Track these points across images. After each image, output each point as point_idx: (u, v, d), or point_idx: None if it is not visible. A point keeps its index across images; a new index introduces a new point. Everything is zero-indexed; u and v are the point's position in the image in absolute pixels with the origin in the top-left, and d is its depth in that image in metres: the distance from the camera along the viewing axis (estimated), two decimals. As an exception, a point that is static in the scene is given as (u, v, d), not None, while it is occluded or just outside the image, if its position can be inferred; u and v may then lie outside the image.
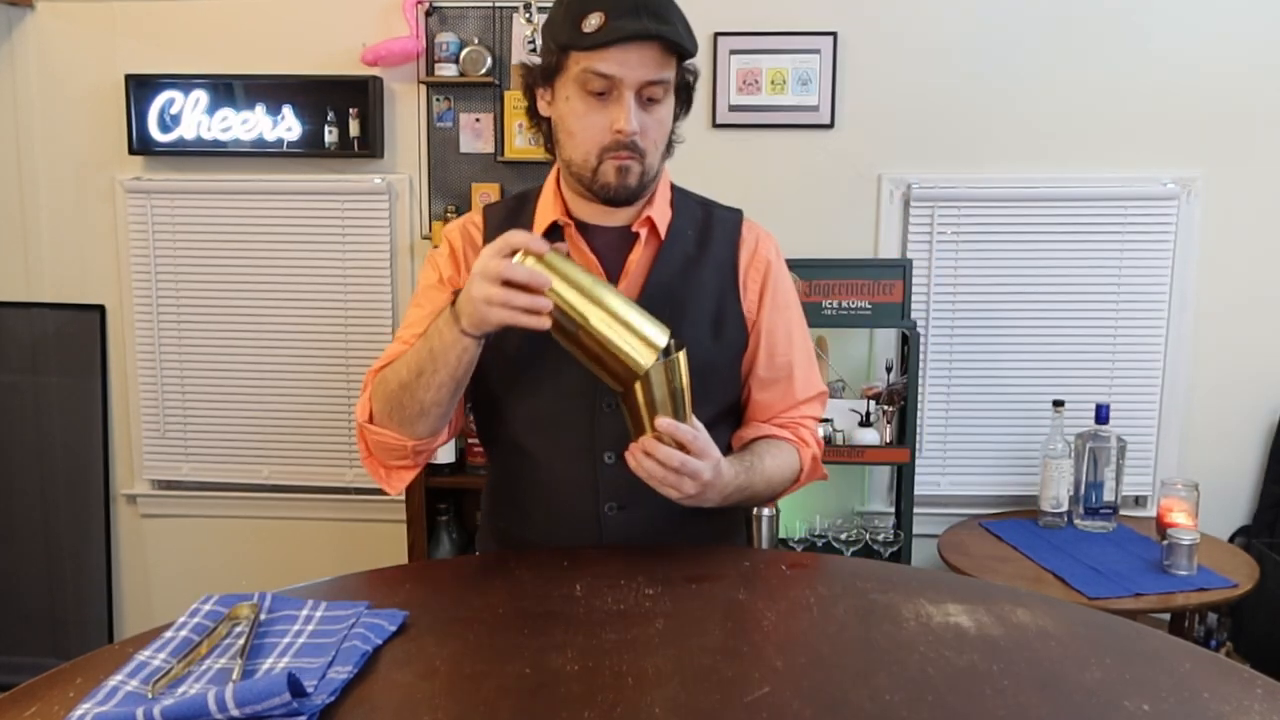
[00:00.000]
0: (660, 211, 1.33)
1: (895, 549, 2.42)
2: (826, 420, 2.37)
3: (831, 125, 2.62)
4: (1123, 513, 2.47)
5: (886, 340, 2.63)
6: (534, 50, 2.61)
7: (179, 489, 2.90)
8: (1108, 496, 2.41)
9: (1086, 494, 2.41)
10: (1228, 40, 2.52)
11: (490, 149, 2.68)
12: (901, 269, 2.50)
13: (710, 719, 0.83)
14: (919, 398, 2.58)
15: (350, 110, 2.63)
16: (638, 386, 1.12)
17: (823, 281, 2.46)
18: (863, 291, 2.49)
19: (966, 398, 2.67)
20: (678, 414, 1.14)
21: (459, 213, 2.67)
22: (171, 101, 2.68)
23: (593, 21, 1.17)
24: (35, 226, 2.82)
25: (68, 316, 2.83)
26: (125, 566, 2.94)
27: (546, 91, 1.28)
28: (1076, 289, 2.61)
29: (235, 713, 0.79)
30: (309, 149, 2.67)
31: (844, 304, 2.48)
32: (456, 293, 1.16)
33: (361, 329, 2.75)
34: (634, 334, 1.11)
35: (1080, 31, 2.55)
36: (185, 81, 2.67)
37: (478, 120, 2.68)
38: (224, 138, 2.68)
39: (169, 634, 0.96)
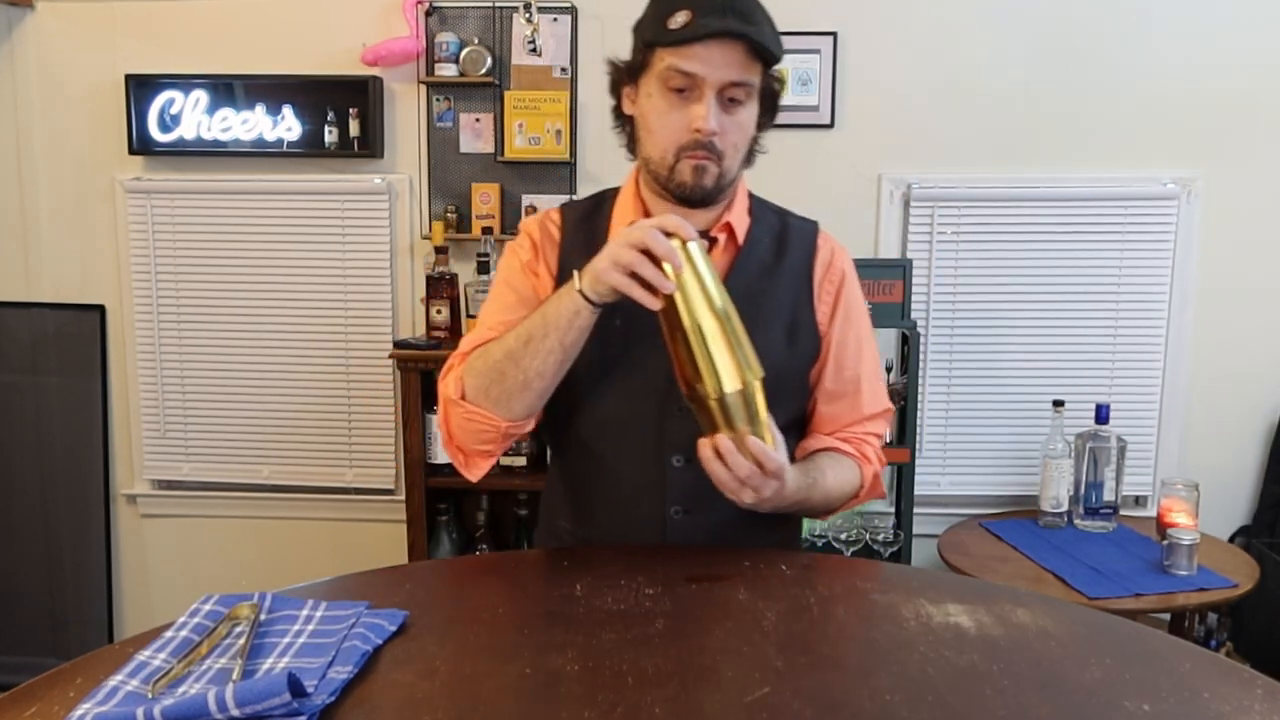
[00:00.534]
0: (739, 218, 1.33)
1: (895, 549, 2.42)
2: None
3: (831, 125, 2.62)
4: (1123, 513, 2.47)
5: (887, 340, 2.63)
6: (534, 50, 2.62)
7: (179, 489, 2.90)
8: (1108, 496, 2.41)
9: (1086, 494, 2.41)
10: (1228, 40, 2.52)
11: (490, 149, 2.68)
12: (901, 269, 2.50)
13: (710, 719, 0.83)
14: (919, 398, 2.58)
15: (350, 110, 2.63)
16: (714, 404, 1.12)
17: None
18: (863, 291, 2.48)
19: (966, 398, 2.67)
20: (755, 430, 1.14)
21: (459, 213, 2.68)
22: (171, 101, 2.68)
23: (679, 19, 1.18)
24: (35, 226, 2.82)
25: (68, 316, 2.83)
26: (125, 566, 2.94)
27: (631, 90, 1.29)
28: (1076, 289, 2.60)
29: (235, 713, 0.79)
30: (309, 149, 2.67)
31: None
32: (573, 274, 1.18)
33: (361, 329, 2.75)
34: (732, 356, 1.12)
35: (1080, 31, 2.55)
36: (185, 81, 2.67)
37: (478, 120, 2.68)
38: (224, 138, 2.68)
39: (169, 634, 0.96)
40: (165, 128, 2.69)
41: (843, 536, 2.44)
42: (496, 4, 2.62)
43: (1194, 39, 2.53)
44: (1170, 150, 2.58)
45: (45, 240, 2.82)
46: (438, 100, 2.68)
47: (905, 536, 2.43)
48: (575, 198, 1.43)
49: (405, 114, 2.70)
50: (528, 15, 2.59)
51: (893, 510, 2.64)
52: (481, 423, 1.24)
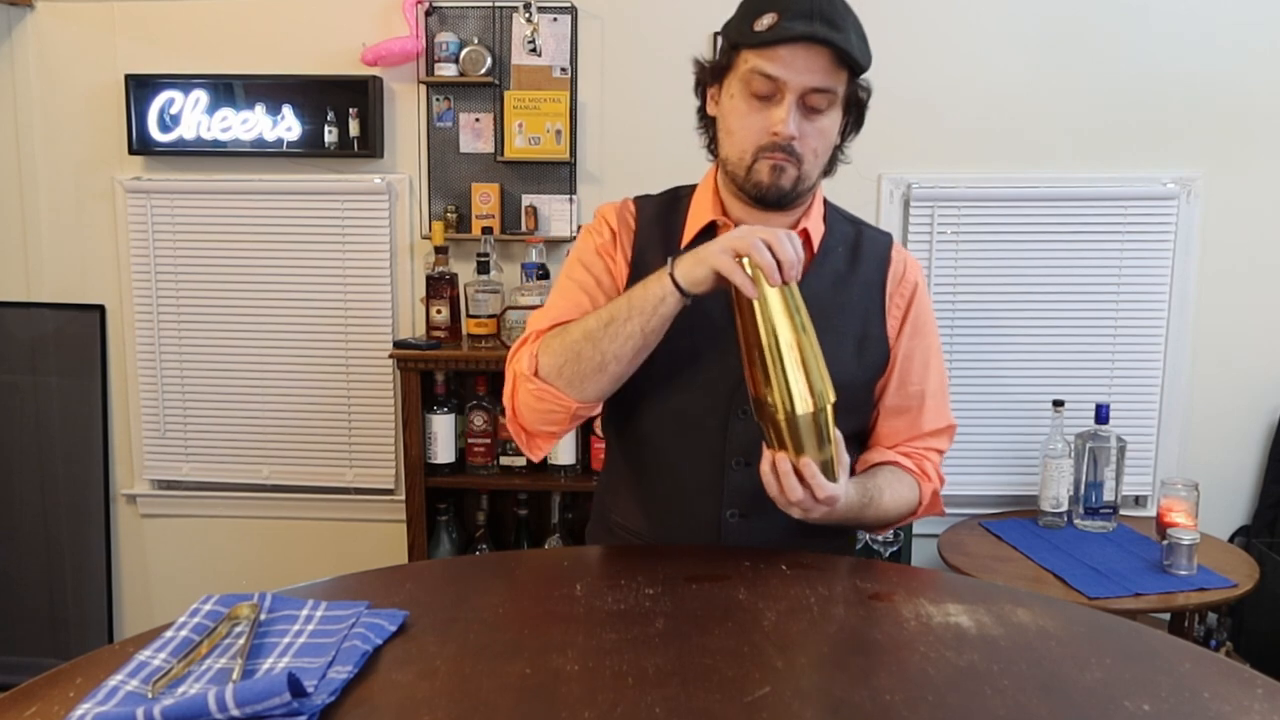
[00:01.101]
0: (815, 225, 1.33)
1: (895, 549, 2.42)
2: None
3: (831, 125, 2.61)
4: (1123, 513, 2.47)
5: (886, 340, 2.63)
6: (534, 50, 2.62)
7: (179, 489, 2.90)
8: (1108, 496, 2.41)
9: (1086, 494, 2.41)
10: (1228, 41, 2.52)
11: (490, 149, 2.68)
12: (901, 269, 2.49)
13: (710, 719, 0.83)
14: (919, 398, 2.57)
15: (350, 110, 2.64)
16: (782, 420, 1.12)
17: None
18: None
19: (966, 398, 2.67)
20: (822, 454, 1.14)
21: (459, 213, 2.68)
22: (171, 101, 2.68)
23: (765, 21, 1.18)
24: (35, 226, 2.82)
25: (68, 316, 2.83)
26: (125, 566, 2.94)
27: (715, 90, 1.29)
28: (1076, 289, 2.60)
29: (235, 713, 0.79)
30: (309, 149, 2.67)
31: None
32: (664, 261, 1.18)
33: (361, 329, 2.75)
34: (806, 376, 1.12)
35: (1080, 31, 2.55)
36: (185, 81, 2.67)
37: (478, 120, 2.68)
38: (224, 138, 2.68)
39: (169, 634, 0.96)
40: (165, 128, 2.69)
41: (843, 536, 2.44)
42: (496, 4, 2.62)
43: (1194, 39, 2.53)
44: (1170, 150, 2.58)
45: (45, 240, 2.82)
46: (438, 100, 2.68)
47: (905, 536, 2.43)
48: (650, 193, 1.42)
49: (405, 114, 2.70)
50: (528, 15, 2.59)
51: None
52: (551, 401, 1.23)
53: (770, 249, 1.10)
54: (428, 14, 2.63)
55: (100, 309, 2.83)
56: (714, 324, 1.24)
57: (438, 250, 2.56)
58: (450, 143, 2.69)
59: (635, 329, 1.18)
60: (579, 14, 2.62)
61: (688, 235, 1.32)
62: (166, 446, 2.85)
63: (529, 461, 2.53)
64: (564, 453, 2.51)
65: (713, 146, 1.32)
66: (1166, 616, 2.38)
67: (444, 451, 2.50)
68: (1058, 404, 2.43)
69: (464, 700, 0.86)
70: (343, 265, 2.74)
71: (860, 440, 1.39)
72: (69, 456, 2.86)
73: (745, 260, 1.11)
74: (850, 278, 1.33)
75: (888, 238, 1.40)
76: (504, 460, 2.55)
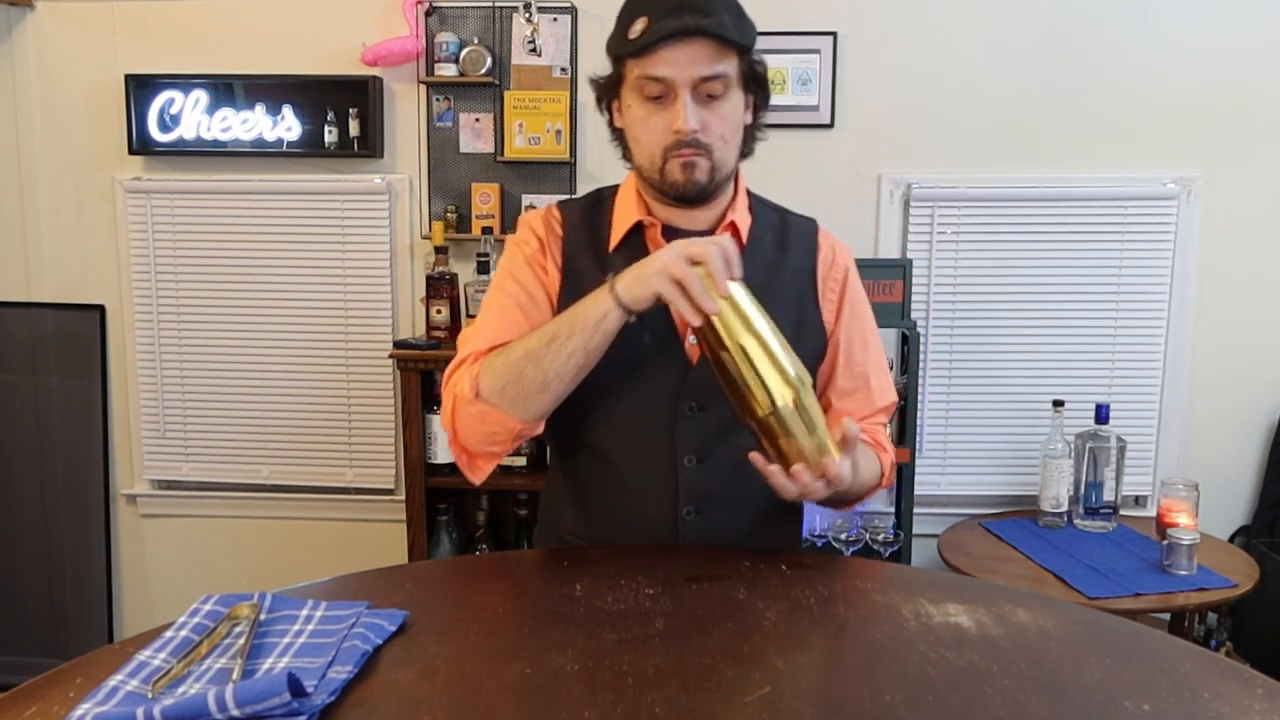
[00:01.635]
0: (741, 216, 1.33)
1: (895, 549, 2.42)
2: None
3: (831, 125, 2.62)
4: (1123, 513, 2.47)
5: (887, 340, 2.62)
6: (534, 50, 2.62)
7: (179, 489, 2.90)
8: (1108, 496, 2.41)
9: (1086, 494, 2.41)
10: (1228, 40, 2.52)
11: (490, 149, 2.68)
12: (901, 269, 2.50)
13: (710, 719, 0.83)
14: (919, 398, 2.58)
15: (350, 110, 2.64)
16: (772, 420, 1.12)
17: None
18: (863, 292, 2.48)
19: (966, 398, 2.67)
20: (815, 436, 1.14)
21: (459, 213, 2.68)
22: (171, 101, 2.68)
23: (638, 27, 1.19)
24: (35, 226, 2.82)
25: (68, 316, 2.83)
26: (125, 566, 2.94)
27: (615, 103, 1.30)
28: (1076, 289, 2.61)
29: (235, 713, 0.79)
30: (309, 149, 2.67)
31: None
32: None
33: (361, 329, 2.75)
34: (777, 370, 1.11)
35: (1081, 31, 2.55)
36: (185, 81, 2.67)
37: (477, 120, 2.68)
38: (224, 138, 2.68)
39: (169, 634, 0.96)
40: (165, 128, 2.69)
41: (843, 536, 2.44)
42: (496, 4, 2.62)
43: (1194, 39, 2.53)
44: (1170, 150, 2.58)
45: (45, 240, 2.82)
46: (438, 100, 2.68)
47: (905, 536, 2.43)
48: (573, 197, 1.43)
49: (405, 114, 2.70)
50: (528, 15, 2.59)
51: (893, 510, 2.64)
52: (494, 423, 1.22)
53: (706, 260, 1.10)
54: (428, 14, 2.63)
55: (100, 309, 2.83)
56: (654, 326, 1.24)
57: (438, 250, 2.56)
58: (450, 143, 2.69)
59: (578, 346, 1.17)
60: (579, 14, 2.62)
61: (615, 237, 1.32)
62: (166, 446, 2.85)
63: (529, 462, 2.53)
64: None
65: (626, 156, 1.33)
66: (1166, 616, 2.38)
67: (444, 451, 2.50)
68: (1058, 404, 2.43)
69: (464, 700, 0.86)
70: (343, 265, 2.74)
71: None
72: (69, 456, 2.86)
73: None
74: (780, 265, 1.33)
75: (812, 223, 1.41)
76: (505, 460, 2.54)
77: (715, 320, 1.11)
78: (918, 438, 2.60)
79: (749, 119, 1.30)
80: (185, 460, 2.85)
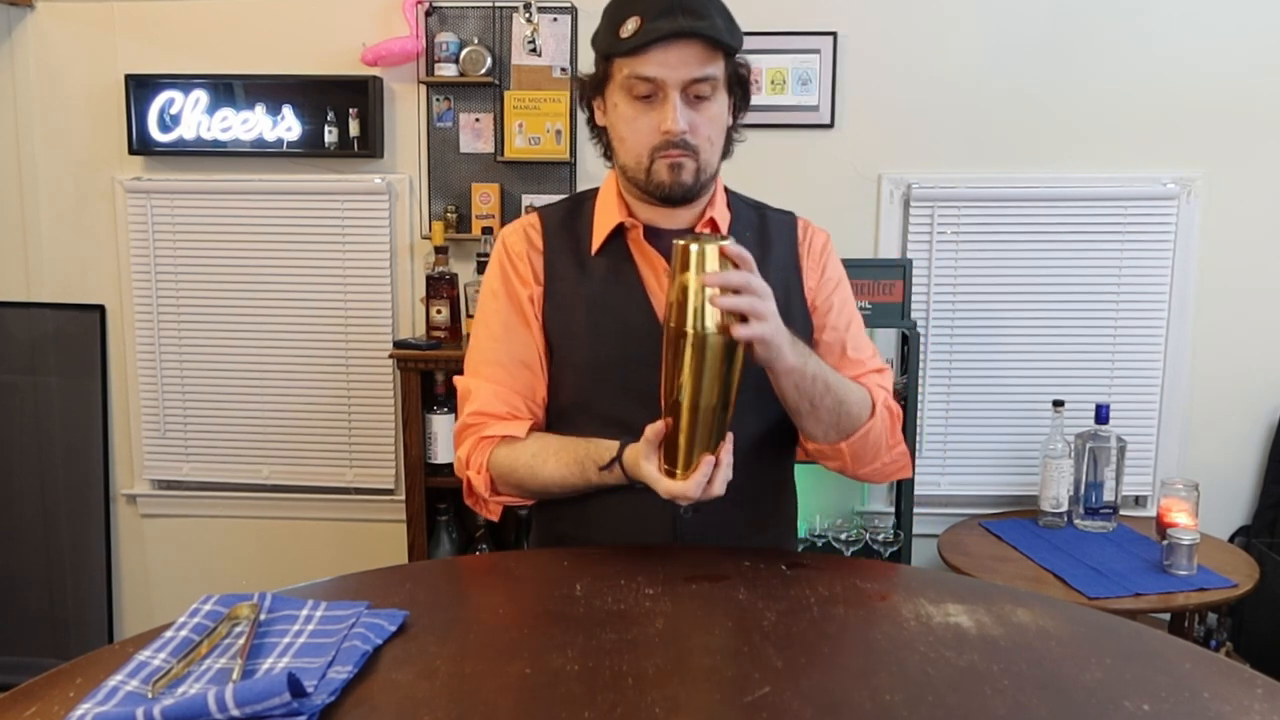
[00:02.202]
0: (721, 213, 1.34)
1: (895, 549, 2.42)
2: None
3: (831, 125, 2.62)
4: (1123, 513, 2.47)
5: (886, 340, 2.63)
6: (534, 50, 2.62)
7: (179, 489, 2.90)
8: (1108, 496, 2.41)
9: (1086, 494, 2.41)
10: (1228, 40, 2.52)
11: (490, 149, 2.68)
12: (901, 269, 2.50)
13: (710, 719, 0.83)
14: (919, 398, 2.58)
15: (350, 110, 2.64)
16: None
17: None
18: (863, 291, 2.49)
19: (966, 398, 2.67)
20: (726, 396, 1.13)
21: (458, 213, 2.68)
22: (171, 101, 2.68)
23: (629, 26, 1.19)
24: (35, 226, 2.82)
25: (68, 316, 2.83)
26: (125, 566, 2.94)
27: (599, 101, 1.30)
28: (1076, 289, 2.60)
29: (235, 713, 0.79)
30: (309, 149, 2.67)
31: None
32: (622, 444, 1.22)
33: (361, 329, 2.75)
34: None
35: (1080, 31, 2.55)
36: (185, 81, 2.67)
37: (477, 120, 2.68)
38: (224, 138, 2.68)
39: (169, 634, 0.96)
40: (165, 128, 2.69)
41: (843, 536, 2.44)
42: (496, 4, 2.62)
43: (1194, 39, 2.53)
44: (1170, 150, 2.57)
45: (45, 240, 2.82)
46: (438, 100, 2.68)
47: (905, 536, 2.43)
48: (552, 202, 1.44)
49: (405, 114, 2.70)
50: (528, 15, 2.59)
51: (893, 510, 2.64)
52: (511, 503, 1.37)
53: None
54: (428, 14, 2.63)
55: (100, 309, 2.83)
56: (643, 332, 1.26)
57: (438, 250, 2.56)
58: (450, 143, 2.69)
59: (589, 489, 1.28)
60: (579, 14, 2.62)
61: (597, 240, 1.33)
62: (166, 446, 2.85)
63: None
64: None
65: (609, 154, 1.34)
66: (1166, 616, 2.38)
67: (444, 451, 2.50)
68: (1058, 404, 2.43)
69: (464, 700, 0.86)
70: (343, 265, 2.74)
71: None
72: (69, 456, 2.86)
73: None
74: (763, 261, 1.31)
75: (792, 217, 1.41)
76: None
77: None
78: (918, 438, 2.60)
79: (730, 120, 1.31)
80: (185, 460, 2.85)
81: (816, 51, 2.58)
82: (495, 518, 1.40)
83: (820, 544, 2.48)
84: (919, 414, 2.60)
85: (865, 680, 0.90)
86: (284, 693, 0.80)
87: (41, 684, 0.89)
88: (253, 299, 2.77)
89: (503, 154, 2.64)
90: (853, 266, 2.47)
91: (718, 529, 1.30)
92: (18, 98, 2.76)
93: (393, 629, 0.98)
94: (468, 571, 1.28)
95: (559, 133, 2.61)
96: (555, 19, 2.62)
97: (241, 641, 0.93)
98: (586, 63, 2.64)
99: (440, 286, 2.54)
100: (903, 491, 2.47)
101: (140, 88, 2.68)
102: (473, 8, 2.63)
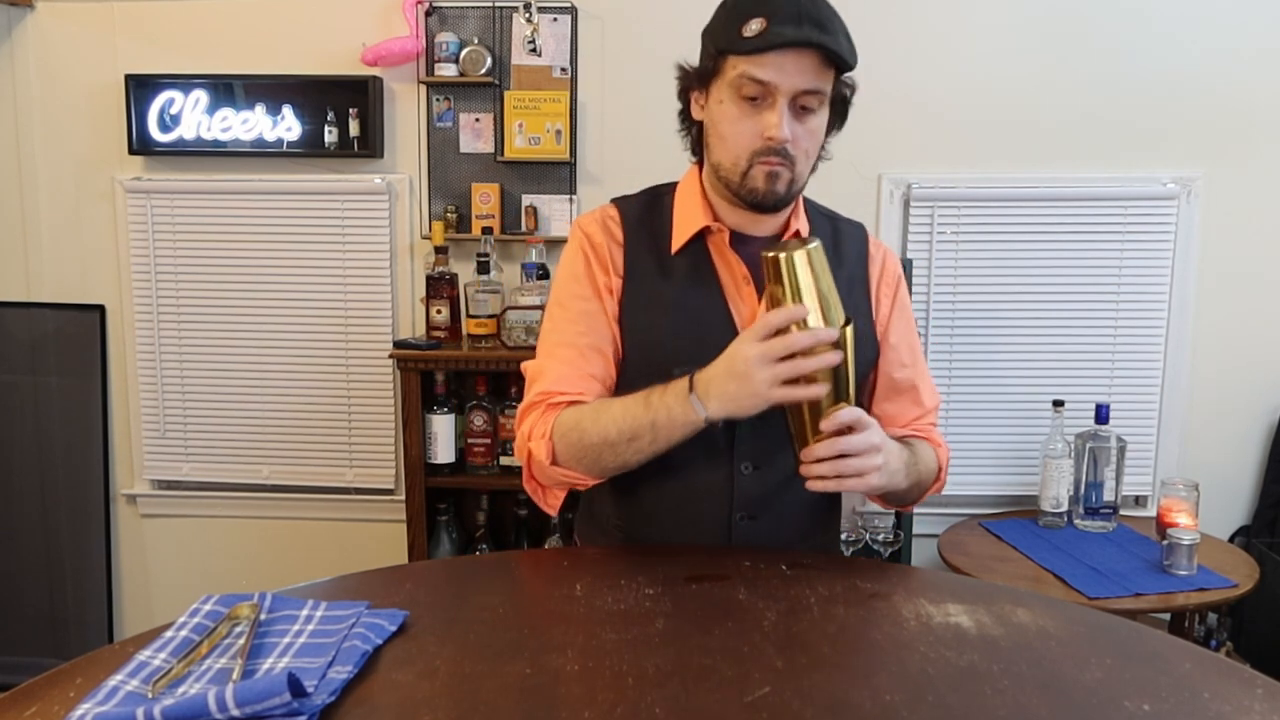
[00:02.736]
0: (803, 223, 1.34)
1: (895, 549, 2.42)
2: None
3: (831, 125, 2.61)
4: (1123, 513, 2.47)
5: (886, 340, 2.63)
6: (534, 50, 2.62)
7: (179, 489, 2.90)
8: (1108, 496, 2.41)
9: (1086, 494, 2.41)
10: (1228, 40, 2.52)
11: (490, 149, 2.68)
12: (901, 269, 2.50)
13: (710, 719, 0.83)
14: (919, 398, 2.57)
15: (350, 110, 2.64)
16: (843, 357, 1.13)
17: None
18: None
19: (966, 398, 2.67)
20: (840, 393, 1.14)
21: (459, 213, 2.68)
22: (171, 101, 2.68)
23: (754, 26, 1.17)
24: (35, 226, 2.82)
25: (68, 316, 2.83)
26: (125, 566, 2.94)
27: (701, 95, 1.28)
28: (1076, 289, 2.60)
29: (235, 713, 0.79)
30: (309, 149, 2.67)
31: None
32: (689, 374, 1.18)
33: (361, 329, 2.75)
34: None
35: (1081, 31, 2.55)
36: (185, 81, 2.67)
37: (478, 120, 2.68)
38: (224, 138, 2.68)
39: (169, 634, 0.96)
40: (165, 128, 2.69)
41: (843, 536, 2.44)
42: (496, 4, 2.62)
43: (1194, 39, 2.53)
44: (1170, 150, 2.58)
45: (45, 240, 2.82)
46: (438, 100, 2.68)
47: (905, 536, 2.44)
48: (628, 194, 1.42)
49: (405, 114, 2.70)
50: (528, 15, 2.59)
51: (893, 510, 2.64)
52: (570, 480, 1.28)
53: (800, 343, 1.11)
54: (428, 14, 2.63)
55: (100, 309, 2.83)
56: (718, 338, 1.24)
57: (438, 250, 2.56)
58: (450, 143, 2.69)
59: (661, 447, 1.21)
60: (579, 14, 2.62)
61: (678, 239, 1.31)
62: (166, 446, 2.85)
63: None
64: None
65: (697, 149, 1.32)
66: (1166, 616, 2.38)
67: (444, 451, 2.50)
68: (1058, 404, 2.43)
69: (464, 700, 0.86)
70: (343, 265, 2.74)
71: None
72: (69, 456, 2.86)
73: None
74: (836, 273, 1.33)
75: (862, 229, 1.41)
76: (504, 460, 2.55)
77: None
78: (918, 438, 2.60)
79: (824, 136, 1.30)
80: (185, 460, 2.85)
81: (816, 51, 2.58)
82: (554, 510, 1.36)
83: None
84: (919, 414, 2.60)
85: (865, 680, 0.90)
86: (284, 693, 0.80)
87: (41, 684, 0.89)
88: (252, 299, 2.77)
89: (503, 154, 2.64)
90: (853, 266, 2.51)
91: (770, 536, 1.30)
92: (18, 98, 2.76)
93: (393, 629, 0.98)
94: (468, 571, 1.28)
95: (559, 133, 2.61)
96: (555, 19, 2.62)
97: (241, 641, 0.93)
98: (587, 63, 2.66)
99: (440, 286, 2.54)
100: (903, 491, 2.47)
101: (140, 88, 2.68)
102: (473, 8, 2.63)
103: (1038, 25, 2.56)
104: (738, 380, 1.12)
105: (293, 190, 2.73)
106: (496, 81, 2.62)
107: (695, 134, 1.32)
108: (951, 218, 2.62)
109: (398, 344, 2.54)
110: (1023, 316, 2.63)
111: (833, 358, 1.11)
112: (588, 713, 0.83)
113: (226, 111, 2.67)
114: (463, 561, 1.43)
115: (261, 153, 2.69)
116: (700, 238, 1.31)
